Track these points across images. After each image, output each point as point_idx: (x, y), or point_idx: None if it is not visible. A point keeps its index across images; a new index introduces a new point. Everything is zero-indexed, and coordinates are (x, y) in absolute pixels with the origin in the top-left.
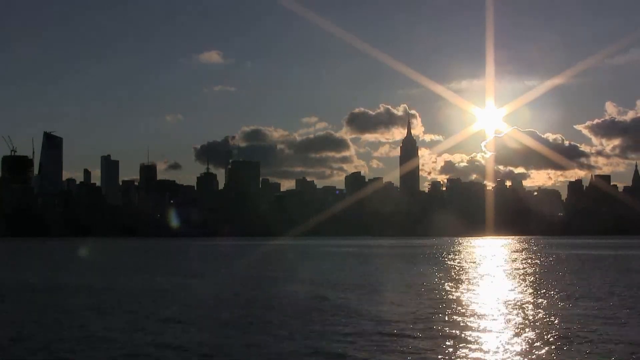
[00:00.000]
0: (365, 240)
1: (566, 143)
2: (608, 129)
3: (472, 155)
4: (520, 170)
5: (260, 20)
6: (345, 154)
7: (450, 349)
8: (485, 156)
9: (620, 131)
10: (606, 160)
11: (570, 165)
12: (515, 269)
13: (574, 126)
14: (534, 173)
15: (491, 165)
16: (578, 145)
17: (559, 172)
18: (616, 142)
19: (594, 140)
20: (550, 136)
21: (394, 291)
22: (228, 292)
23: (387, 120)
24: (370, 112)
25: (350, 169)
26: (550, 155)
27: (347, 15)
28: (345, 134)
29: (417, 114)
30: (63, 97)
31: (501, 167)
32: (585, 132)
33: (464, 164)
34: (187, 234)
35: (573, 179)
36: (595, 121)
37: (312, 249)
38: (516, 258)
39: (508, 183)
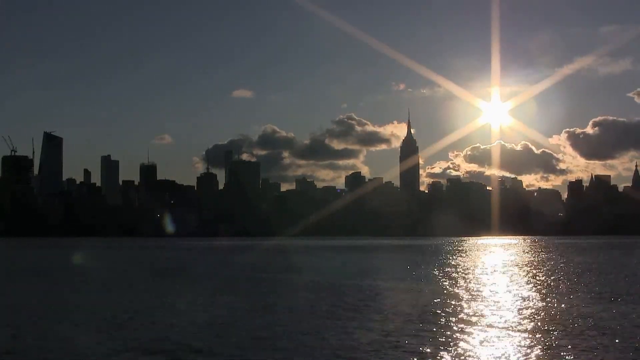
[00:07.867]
0: (365, 241)
1: (544, 150)
2: (610, 127)
3: (450, 162)
4: (507, 174)
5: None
6: (347, 153)
7: (452, 350)
8: (455, 163)
9: (619, 131)
10: (600, 162)
11: (557, 169)
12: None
13: (573, 128)
14: (523, 178)
15: (496, 165)
16: (555, 152)
17: (546, 175)
18: (614, 143)
19: (592, 140)
20: (539, 140)
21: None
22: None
23: (388, 120)
24: (371, 113)
25: (350, 169)
26: (538, 159)
27: (352, 13)
28: (346, 134)
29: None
30: (63, 97)
31: (487, 170)
32: (586, 131)
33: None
34: (186, 234)
35: (560, 183)
36: (598, 119)
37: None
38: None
39: (507, 184)
